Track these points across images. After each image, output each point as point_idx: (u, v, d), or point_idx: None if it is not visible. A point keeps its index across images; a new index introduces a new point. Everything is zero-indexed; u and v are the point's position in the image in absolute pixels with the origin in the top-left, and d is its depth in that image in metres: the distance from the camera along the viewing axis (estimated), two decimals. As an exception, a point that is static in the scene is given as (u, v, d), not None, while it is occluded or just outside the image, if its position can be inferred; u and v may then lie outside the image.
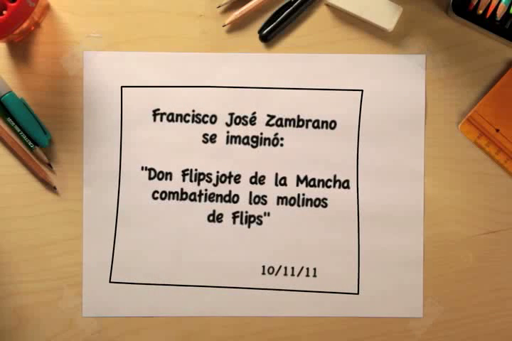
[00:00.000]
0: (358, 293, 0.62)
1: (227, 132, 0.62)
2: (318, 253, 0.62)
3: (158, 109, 0.62)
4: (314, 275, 0.62)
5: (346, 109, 0.62)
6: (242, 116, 0.62)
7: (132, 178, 0.62)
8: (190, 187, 0.62)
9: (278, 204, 0.62)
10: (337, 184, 0.62)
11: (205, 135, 0.63)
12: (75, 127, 0.62)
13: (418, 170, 0.62)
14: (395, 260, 0.62)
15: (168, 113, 0.62)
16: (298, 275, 0.62)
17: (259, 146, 0.63)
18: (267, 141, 0.62)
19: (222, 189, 0.62)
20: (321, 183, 0.62)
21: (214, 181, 0.62)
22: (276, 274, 0.62)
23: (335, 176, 0.62)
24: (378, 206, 0.62)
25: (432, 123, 0.62)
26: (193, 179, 0.62)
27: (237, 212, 0.62)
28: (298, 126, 0.62)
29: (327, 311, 0.62)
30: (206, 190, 0.62)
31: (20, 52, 0.62)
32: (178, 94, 0.62)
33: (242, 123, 0.62)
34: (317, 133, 0.62)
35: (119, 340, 0.62)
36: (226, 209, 0.62)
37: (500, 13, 0.60)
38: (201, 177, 0.62)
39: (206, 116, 0.62)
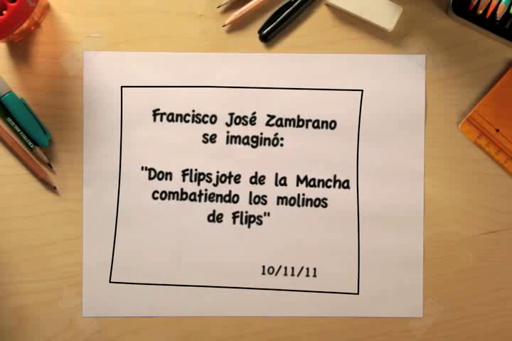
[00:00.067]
0: (358, 293, 0.62)
1: (227, 132, 0.62)
2: (318, 253, 0.62)
3: (158, 109, 0.62)
4: (314, 276, 0.62)
5: (346, 109, 0.62)
6: (242, 116, 0.62)
7: (132, 178, 0.62)
8: (190, 187, 0.62)
9: (278, 204, 0.62)
10: (337, 184, 0.62)
11: (205, 135, 0.62)
12: (75, 127, 0.62)
13: (418, 170, 0.62)
14: (395, 260, 0.62)
15: (168, 113, 0.62)
16: (298, 275, 0.62)
17: (259, 146, 0.62)
18: (267, 141, 0.62)
19: (222, 189, 0.62)
20: (321, 183, 0.62)
21: (214, 181, 0.62)
22: (276, 274, 0.62)
23: (335, 176, 0.62)
24: (378, 206, 0.62)
25: (432, 123, 0.62)
26: (193, 179, 0.62)
27: (237, 212, 0.62)
28: (298, 126, 0.62)
29: (327, 311, 0.62)
30: (206, 190, 0.62)
31: (20, 52, 0.62)
32: (178, 94, 0.62)
33: (242, 123, 0.62)
34: (317, 133, 0.62)
35: (119, 340, 0.62)
36: (226, 209, 0.62)
37: (500, 13, 0.60)
38: (201, 177, 0.62)
39: (206, 116, 0.62)
